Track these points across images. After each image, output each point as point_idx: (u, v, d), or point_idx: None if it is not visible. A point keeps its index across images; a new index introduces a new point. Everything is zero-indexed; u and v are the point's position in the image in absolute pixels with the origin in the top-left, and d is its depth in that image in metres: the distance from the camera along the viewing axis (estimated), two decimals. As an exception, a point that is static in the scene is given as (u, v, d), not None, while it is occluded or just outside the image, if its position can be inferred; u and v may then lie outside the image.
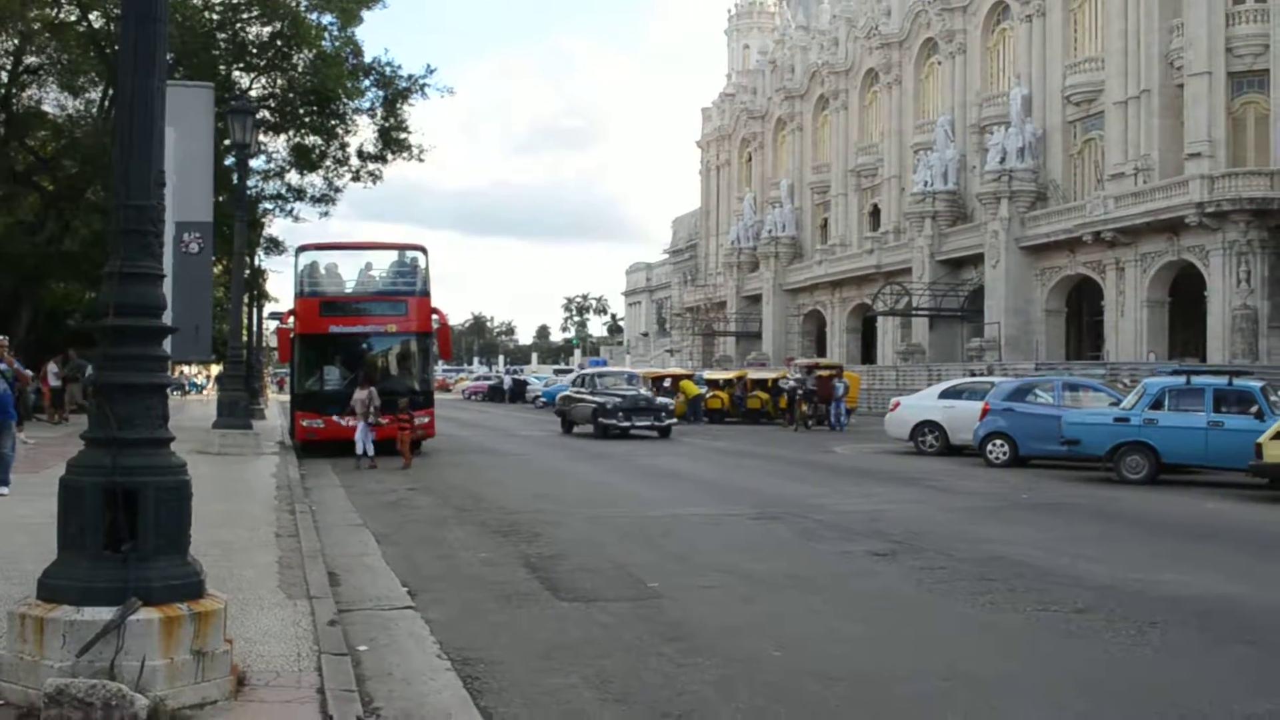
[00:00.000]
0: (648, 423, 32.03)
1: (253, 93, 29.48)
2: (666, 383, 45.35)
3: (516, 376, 76.72)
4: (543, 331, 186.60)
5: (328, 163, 32.19)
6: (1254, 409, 20.16)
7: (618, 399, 32.27)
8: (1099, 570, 11.04)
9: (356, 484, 18.94)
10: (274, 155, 33.74)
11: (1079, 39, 54.90)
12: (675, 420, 33.43)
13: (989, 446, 24.40)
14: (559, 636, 8.20)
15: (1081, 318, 55.85)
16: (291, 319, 26.18)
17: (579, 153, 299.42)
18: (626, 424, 31.82)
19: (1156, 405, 20.94)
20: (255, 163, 30.94)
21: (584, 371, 39.07)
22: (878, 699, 6.74)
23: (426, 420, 25.82)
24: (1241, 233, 43.27)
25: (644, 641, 8.05)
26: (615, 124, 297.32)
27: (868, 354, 69.87)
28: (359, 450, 22.29)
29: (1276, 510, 16.89)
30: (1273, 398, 20.90)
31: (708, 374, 50.98)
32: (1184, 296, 47.44)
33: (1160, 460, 20.63)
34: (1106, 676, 7.33)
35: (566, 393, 37.13)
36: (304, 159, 32.11)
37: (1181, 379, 21.66)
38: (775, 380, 45.90)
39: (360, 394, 22.53)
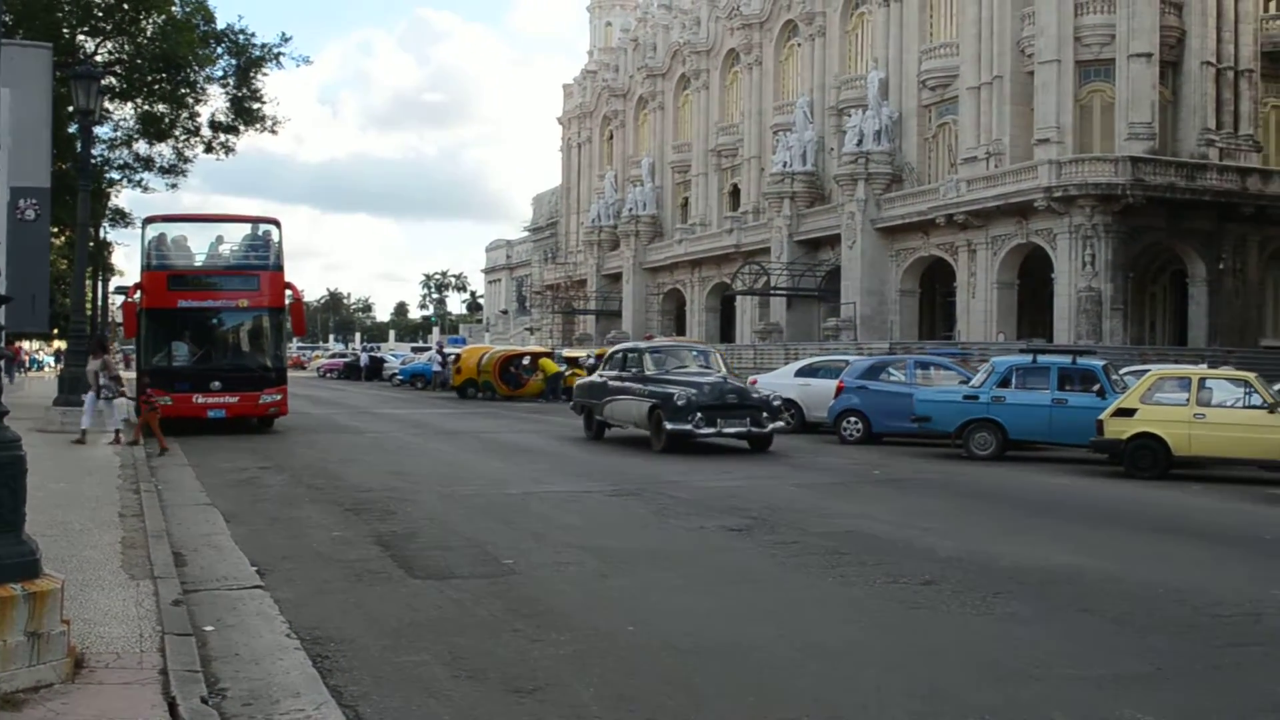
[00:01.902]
0: (741, 428, 20.91)
1: (99, 58, 28.51)
2: (526, 360, 45.18)
3: (373, 354, 75.74)
4: (401, 309, 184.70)
5: (177, 132, 31.29)
6: (1096, 387, 20.83)
7: (692, 390, 20.86)
8: (947, 544, 11.28)
9: (205, 462, 18.49)
10: (121, 123, 32.67)
11: (935, 25, 55.85)
12: (781, 424, 21.91)
13: (843, 424, 24.77)
14: (411, 614, 8.11)
15: (935, 298, 56.96)
16: (138, 293, 25.44)
17: (441, 128, 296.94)
18: (710, 430, 20.55)
19: (1004, 383, 21.48)
20: (101, 130, 29.94)
21: (628, 345, 26.74)
22: (730, 670, 6.79)
23: (279, 398, 25.38)
24: (1087, 217, 44.53)
25: (498, 618, 8.00)
26: (478, 100, 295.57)
27: (727, 333, 70.44)
28: (84, 425, 20.52)
29: (1116, 485, 17.44)
30: (1114, 376, 21.60)
31: (567, 352, 50.91)
32: (1032, 278, 48.68)
33: (1007, 437, 21.19)
34: (950, 645, 7.50)
35: (595, 378, 25.07)
36: (152, 128, 31.16)
37: (1028, 358, 22.25)
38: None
39: (92, 364, 21.05)
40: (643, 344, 24.72)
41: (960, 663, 7.04)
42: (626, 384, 22.59)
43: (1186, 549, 11.62)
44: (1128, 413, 18.69)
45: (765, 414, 21.10)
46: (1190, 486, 17.46)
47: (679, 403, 20.50)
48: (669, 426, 20.50)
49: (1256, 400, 18.11)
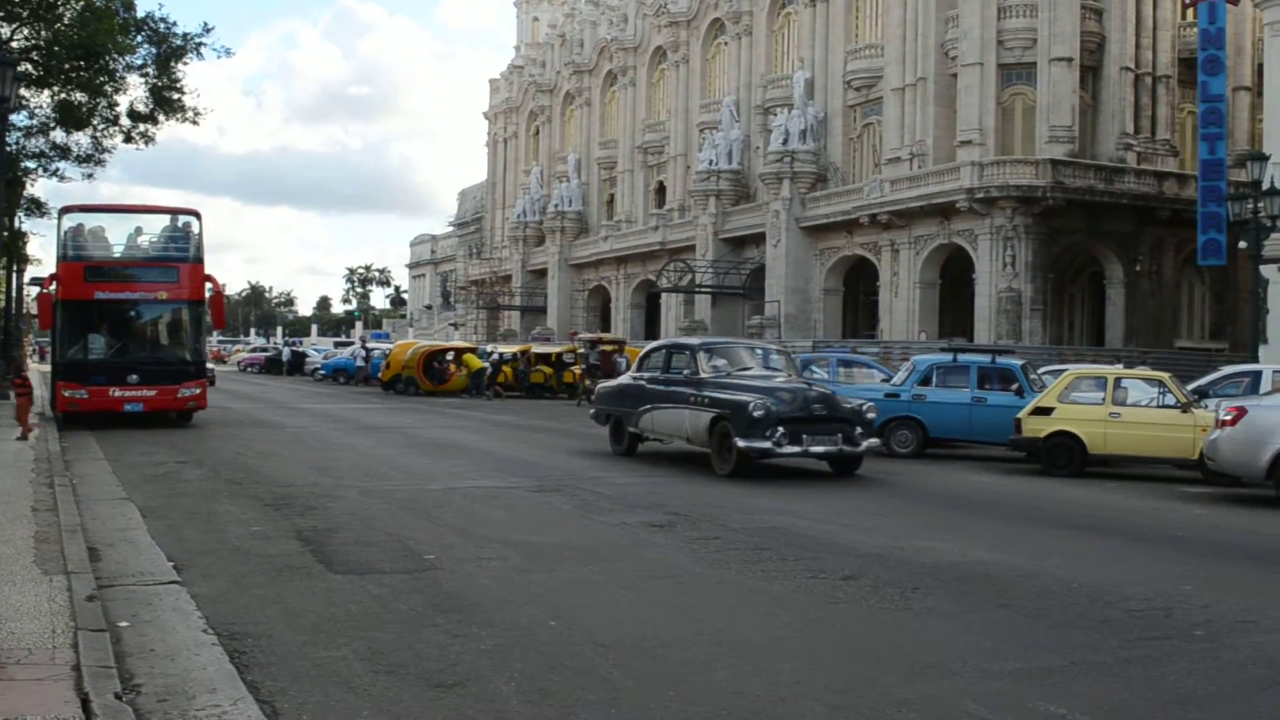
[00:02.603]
0: (831, 446, 16.80)
1: (14, 44, 27.92)
2: (450, 356, 45.00)
3: (295, 348, 75.02)
4: (323, 303, 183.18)
5: (96, 121, 30.73)
6: (1015, 386, 21.14)
7: (769, 397, 16.75)
8: (867, 540, 11.39)
9: (122, 457, 18.22)
10: (37, 111, 32.00)
11: (860, 26, 56.28)
12: (877, 441, 18.26)
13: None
14: (331, 609, 8.05)
15: (858, 297, 57.39)
16: (54, 284, 25.02)
17: (366, 121, 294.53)
18: (793, 449, 16.51)
19: (925, 382, 21.74)
20: (17, 118, 29.30)
21: (673, 342, 22.17)
22: (650, 664, 6.81)
23: (198, 392, 25.08)
24: (1008, 218, 45.09)
25: (419, 613, 7.96)
26: (404, 93, 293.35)
27: (651, 330, 70.47)
28: None
29: (1033, 482, 17.69)
30: (1032, 375, 21.92)
31: (491, 348, 50.74)
32: (954, 278, 49.22)
33: (928, 434, 21.45)
34: (869, 639, 7.58)
35: (627, 382, 20.90)
36: (70, 116, 30.59)
37: (948, 357, 22.52)
38: (559, 354, 46.05)
39: None
40: (694, 340, 20.07)
41: (879, 656, 7.11)
42: (674, 389, 18.26)
43: (1101, 546, 11.80)
44: (1045, 411, 18.97)
45: (859, 428, 16.98)
46: (1105, 484, 17.77)
47: (755, 413, 16.21)
48: (741, 444, 16.24)
49: (1170, 400, 18.46)
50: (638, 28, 74.28)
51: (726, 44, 65.43)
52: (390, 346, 53.53)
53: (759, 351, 19.71)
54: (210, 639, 7.17)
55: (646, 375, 19.83)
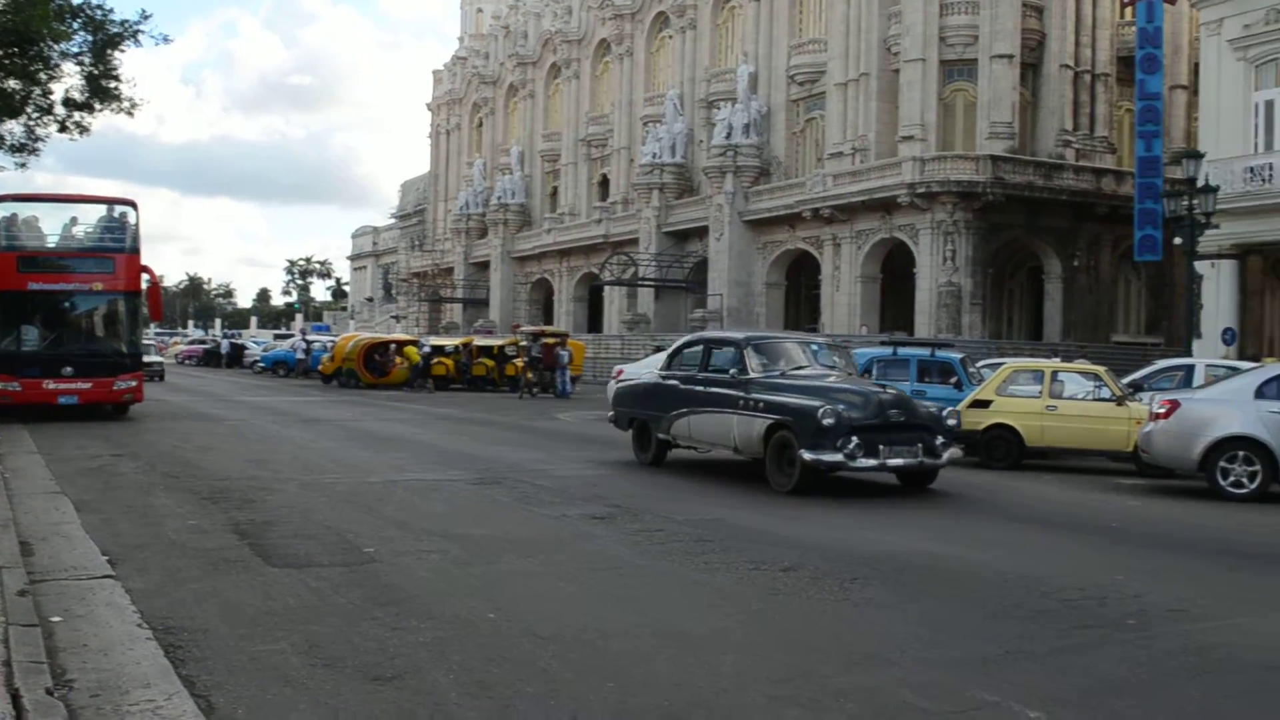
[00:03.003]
0: (911, 459, 14.53)
1: (-55, 31, 27.43)
2: (391, 348, 44.78)
3: (234, 340, 74.38)
4: (263, 295, 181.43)
5: (29, 109, 30.24)
6: (954, 379, 21.32)
7: (840, 402, 14.44)
8: (809, 531, 11.45)
9: (56, 450, 17.97)
10: (-33, 98, 31.43)
11: (804, 21, 56.46)
12: (959, 451, 15.83)
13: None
14: (268, 603, 7.98)
15: (800, 291, 57.62)
16: (-14, 275, 24.62)
17: (308, 112, 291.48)
18: (870, 462, 14.26)
19: (865, 375, 21.83)
20: (-53, 106, 28.79)
21: (713, 336, 19.55)
22: (590, 656, 6.81)
23: (134, 384, 24.82)
24: (948, 213, 45.45)
25: (357, 606, 7.92)
26: (347, 83, 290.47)
27: (594, 323, 70.47)
28: None
29: (971, 474, 17.81)
30: (971, 369, 22.10)
31: (433, 340, 50.57)
32: (895, 273, 49.53)
33: (868, 428, 21.55)
34: (809, 630, 7.62)
35: (654, 380, 18.43)
36: (3, 104, 30.08)
37: (888, 350, 22.67)
38: (501, 347, 45.94)
39: None
40: (738, 334, 17.47)
41: (818, 647, 7.15)
42: (717, 391, 15.90)
43: (1037, 537, 11.94)
44: (983, 404, 19.15)
45: (939, 436, 14.81)
46: (1042, 476, 17.96)
47: (825, 421, 13.93)
48: (808, 456, 13.96)
49: (1106, 393, 18.71)
50: (582, 20, 74.13)
51: (671, 37, 65.45)
52: (330, 339, 53.24)
53: (812, 347, 17.03)
54: (145, 633, 7.09)
55: (680, 374, 17.28)
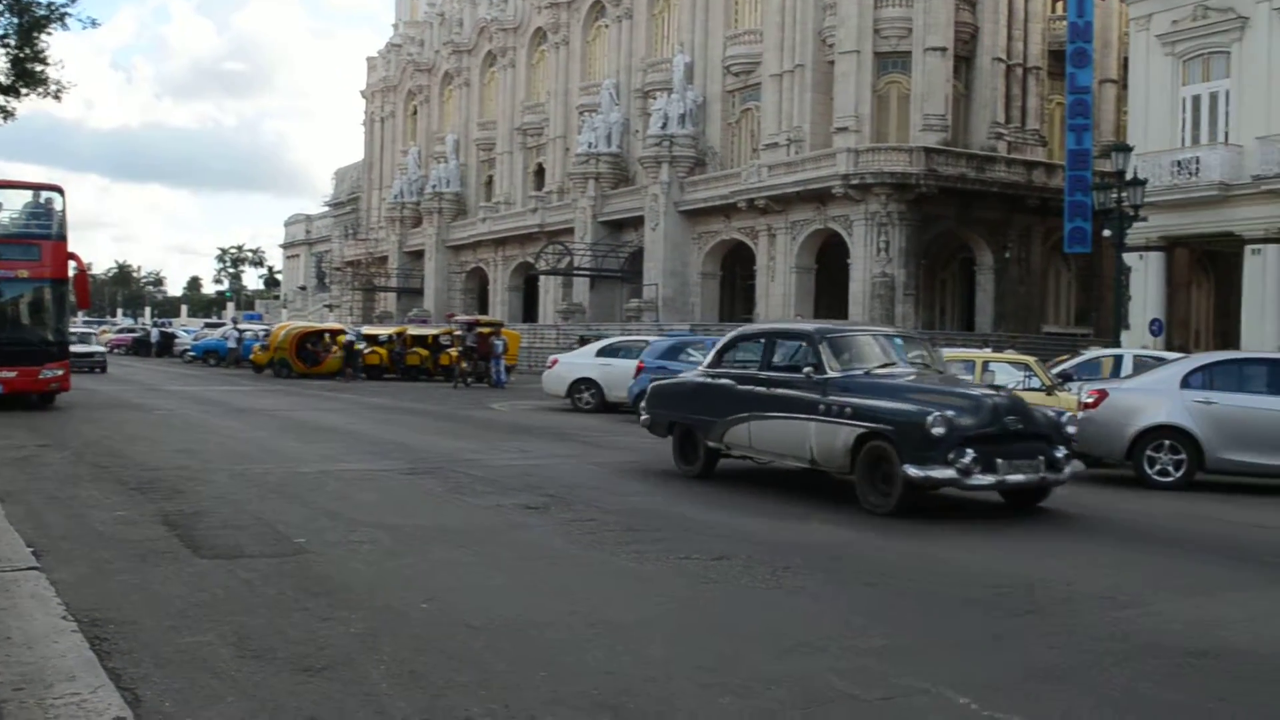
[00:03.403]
0: (1032, 474, 12.41)
1: None
2: (325, 338, 44.43)
3: (164, 329, 73.46)
4: (194, 283, 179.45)
5: (-48, 92, 29.71)
6: (887, 369, 21.41)
7: (950, 408, 12.18)
8: (740, 520, 11.49)
9: (-19, 439, 17.68)
10: (-109, 81, 30.81)
11: (740, 12, 56.61)
12: (1081, 465, 15.38)
13: (643, 404, 24.93)
14: (197, 594, 7.88)
15: (735, 281, 57.82)
16: (-94, 262, 24.13)
17: (241, 98, 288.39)
18: (987, 479, 12.12)
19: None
20: None
21: (777, 328, 16.58)
22: (522, 645, 6.78)
23: (61, 373, 24.43)
24: (882, 205, 45.79)
25: (288, 597, 7.84)
26: (280, 70, 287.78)
27: (530, 313, 70.34)
28: None
29: (904, 464, 17.94)
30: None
31: (367, 329, 50.25)
32: (830, 263, 49.82)
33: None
34: (740, 618, 7.64)
35: (700, 379, 15.67)
36: (-74, 87, 29.56)
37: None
38: (436, 337, 45.72)
39: None
40: (808, 326, 15.33)
41: (749, 635, 7.17)
42: (786, 392, 13.46)
43: (968, 525, 12.04)
44: (916, 394, 19.28)
45: (1060, 447, 12.55)
46: (973, 466, 18.08)
47: (935, 430, 11.74)
48: (913, 472, 11.78)
49: (1035, 383, 18.92)
50: (518, 8, 73.82)
51: (607, 26, 65.35)
52: (263, 328, 52.78)
53: (896, 341, 14.65)
54: (70, 626, 6.96)
55: (735, 372, 14.82)
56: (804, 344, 13.80)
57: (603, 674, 6.27)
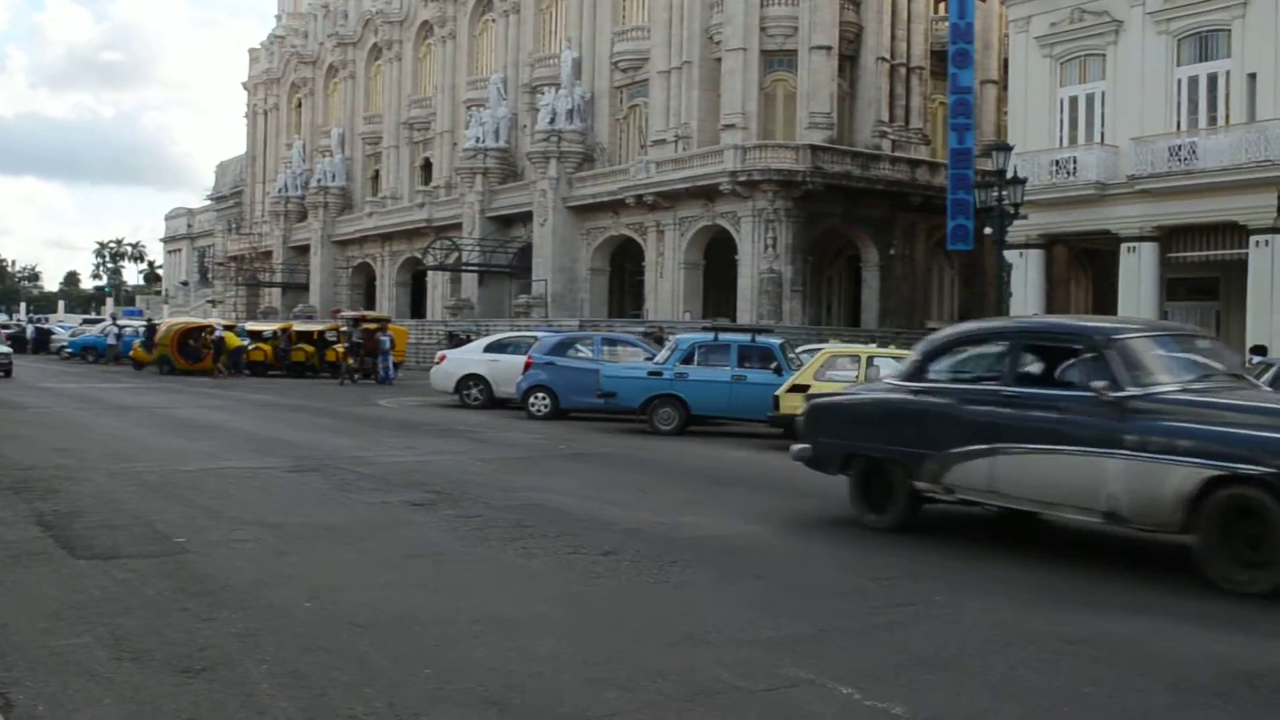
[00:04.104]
0: None
1: None
2: (209, 334, 43.60)
3: (40, 325, 71.56)
4: (71, 279, 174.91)
5: None
6: (774, 365, 21.65)
7: None
8: (628, 515, 11.51)
9: None
10: None
11: (627, 8, 56.69)
12: None
13: (531, 399, 24.96)
14: (73, 595, 7.70)
15: (624, 277, 57.90)
16: None
17: (119, 89, 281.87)
18: None
19: (687, 360, 22.08)
20: None
21: (1029, 323, 13.68)
22: (407, 643, 6.73)
23: (-69, 370, 23.72)
24: (769, 201, 46.17)
25: (167, 598, 7.69)
26: (160, 61, 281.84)
27: (418, 308, 69.76)
28: None
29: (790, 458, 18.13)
30: (791, 354, 22.50)
31: (251, 325, 49.44)
32: (718, 260, 50.08)
33: (690, 412, 21.80)
34: (627, 613, 7.68)
35: (909, 395, 11.17)
36: None
37: (710, 336, 22.94)
38: (322, 332, 45.15)
39: None
40: (1085, 324, 11.01)
41: (636, 629, 7.21)
42: (1050, 416, 9.85)
43: (853, 518, 12.17)
44: (802, 389, 19.45)
45: None
46: (858, 459, 18.32)
47: None
48: None
49: (919, 378, 19.17)
50: (404, 1, 73.12)
51: (494, 20, 65.02)
52: (142, 324, 51.62)
53: (1202, 344, 11.17)
54: (-62, 630, 6.79)
55: (957, 387, 10.87)
56: (1082, 350, 9.97)
57: (488, 670, 6.25)
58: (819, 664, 6.47)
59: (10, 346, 44.16)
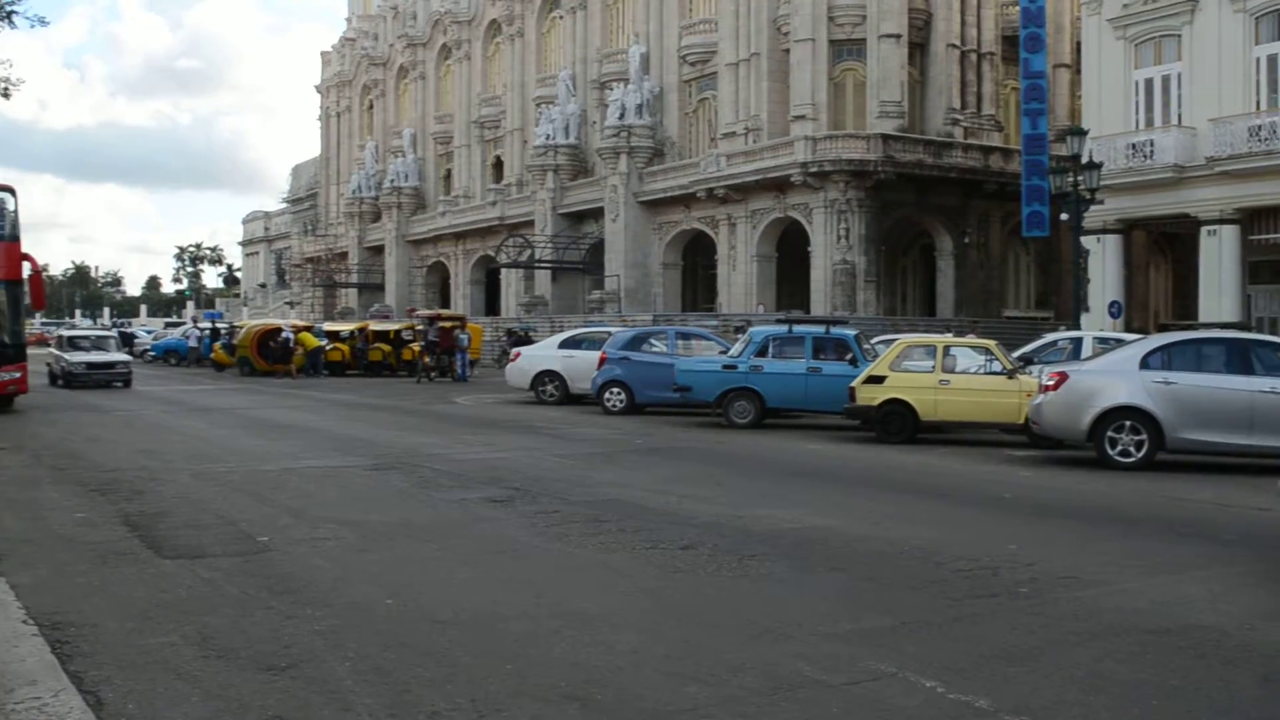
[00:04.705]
0: None
1: None
2: (285, 334, 44.14)
3: (123, 329, 72.82)
4: (153, 283, 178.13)
5: (-102, 92, 29.31)
6: (849, 356, 21.51)
7: None
8: (706, 509, 11.49)
9: (-63, 444, 17.49)
10: None
11: (694, 1, 56.53)
12: None
13: (606, 394, 25.01)
14: (160, 595, 7.82)
15: (696, 271, 57.80)
16: None
17: (196, 96, 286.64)
18: None
19: (762, 353, 22.00)
20: None
21: None
22: (488, 638, 6.77)
23: (19, 375, 24.20)
24: (841, 192, 45.87)
25: (251, 596, 7.79)
26: (235, 67, 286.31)
27: (492, 306, 70.11)
28: None
29: (867, 449, 18.05)
30: (865, 345, 22.34)
31: (328, 326, 49.99)
32: (790, 251, 49.86)
33: (765, 404, 21.71)
34: (706, 607, 7.65)
35: None
36: (-127, 88, 29.12)
37: (785, 328, 22.83)
38: (397, 332, 45.54)
39: None
40: None
41: (716, 623, 7.18)
42: None
43: (933, 509, 12.10)
44: (878, 380, 19.36)
45: None
46: (936, 450, 18.22)
47: None
48: None
49: (996, 367, 19.01)
50: (472, 0, 73.45)
51: (562, 18, 65.14)
52: (221, 326, 52.42)
53: None
54: (31, 629, 6.90)
55: None
56: None
57: (569, 665, 6.26)
58: (901, 657, 6.41)
59: (129, 353, 41.85)
